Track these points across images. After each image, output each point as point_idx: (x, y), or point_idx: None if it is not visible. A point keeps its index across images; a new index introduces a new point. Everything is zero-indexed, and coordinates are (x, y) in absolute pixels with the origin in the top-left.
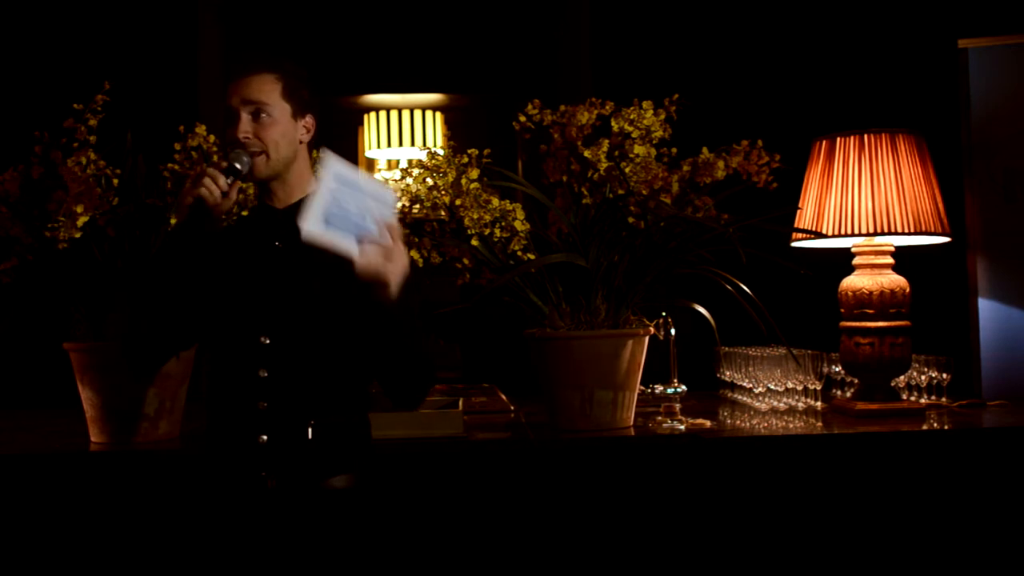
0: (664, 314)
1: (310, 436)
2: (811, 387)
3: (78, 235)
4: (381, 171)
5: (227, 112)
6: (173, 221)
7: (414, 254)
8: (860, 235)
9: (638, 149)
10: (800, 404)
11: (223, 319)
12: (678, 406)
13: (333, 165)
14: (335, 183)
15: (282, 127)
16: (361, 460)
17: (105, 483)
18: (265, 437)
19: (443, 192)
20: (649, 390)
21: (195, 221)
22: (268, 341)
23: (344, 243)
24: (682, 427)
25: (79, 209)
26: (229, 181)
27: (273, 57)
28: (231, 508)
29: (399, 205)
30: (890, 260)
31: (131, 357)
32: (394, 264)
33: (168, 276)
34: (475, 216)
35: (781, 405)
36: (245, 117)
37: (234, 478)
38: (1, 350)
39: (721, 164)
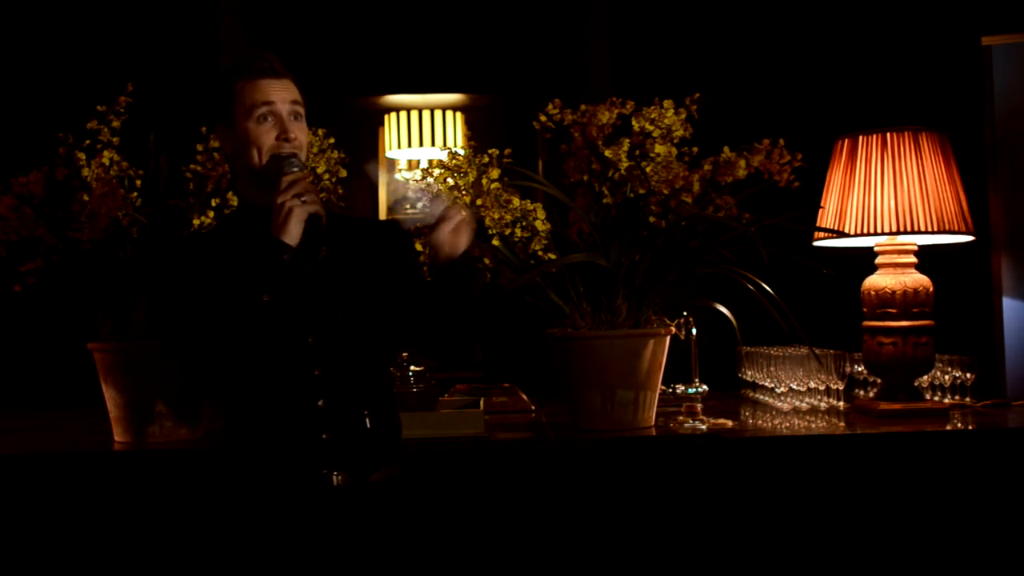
0: (685, 313)
1: (368, 426)
2: (833, 387)
3: (101, 236)
4: (402, 171)
5: (263, 113)
6: (197, 222)
7: None
8: (883, 234)
9: (659, 148)
10: (822, 404)
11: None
12: (699, 406)
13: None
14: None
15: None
16: (400, 449)
17: (130, 482)
18: (327, 434)
19: (464, 192)
20: (670, 390)
21: (312, 240)
22: (313, 340)
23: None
24: (703, 427)
25: (102, 210)
26: None
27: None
28: (293, 506)
29: (422, 204)
30: (913, 259)
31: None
32: (466, 234)
33: (256, 302)
34: (496, 216)
35: (803, 405)
36: (289, 119)
37: (294, 477)
38: (26, 350)
39: (743, 163)
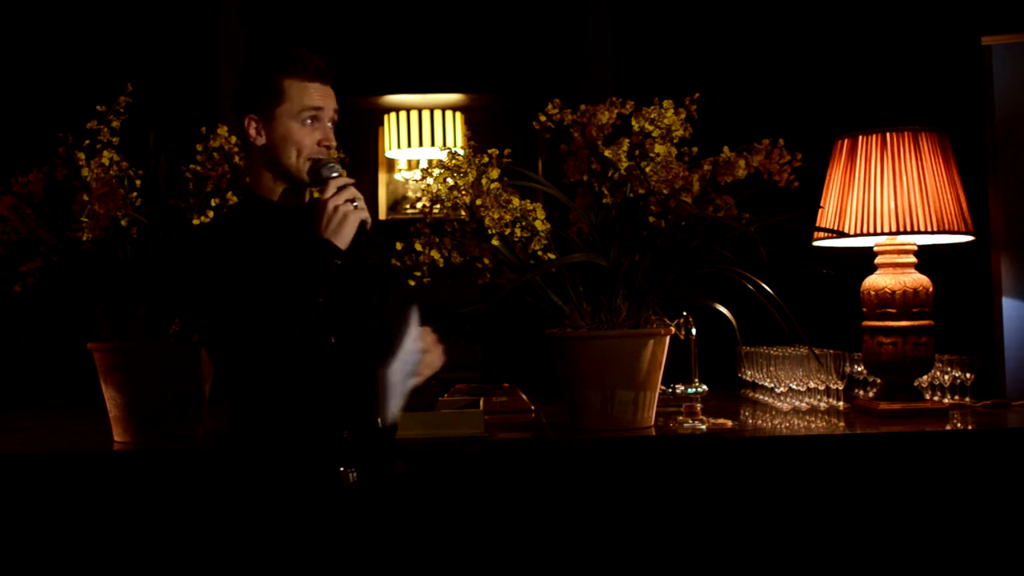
0: (685, 313)
1: (380, 425)
2: (833, 387)
3: (101, 236)
4: (401, 171)
5: (310, 116)
6: (196, 222)
7: (435, 254)
8: (882, 234)
9: (659, 148)
10: (822, 404)
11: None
12: (699, 406)
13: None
14: (400, 374)
15: None
16: (398, 447)
17: (130, 482)
18: (347, 432)
19: (464, 192)
20: (670, 390)
21: (358, 245)
22: (336, 340)
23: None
24: (703, 427)
25: (102, 210)
26: None
27: None
28: (304, 504)
29: (422, 204)
30: (913, 259)
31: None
32: (438, 356)
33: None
34: (495, 216)
35: (803, 405)
36: (329, 125)
37: (307, 475)
38: (26, 350)
39: (742, 163)
